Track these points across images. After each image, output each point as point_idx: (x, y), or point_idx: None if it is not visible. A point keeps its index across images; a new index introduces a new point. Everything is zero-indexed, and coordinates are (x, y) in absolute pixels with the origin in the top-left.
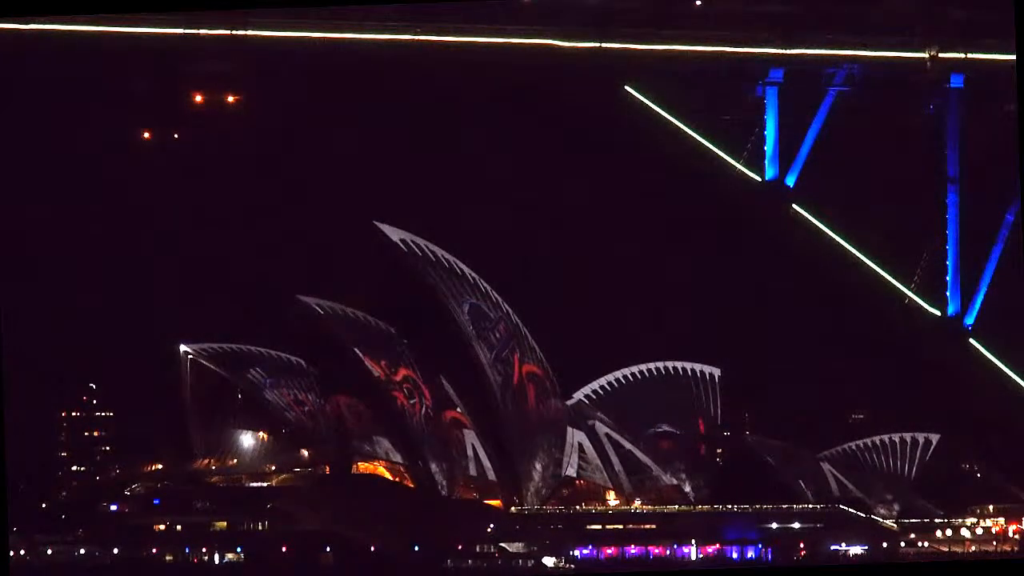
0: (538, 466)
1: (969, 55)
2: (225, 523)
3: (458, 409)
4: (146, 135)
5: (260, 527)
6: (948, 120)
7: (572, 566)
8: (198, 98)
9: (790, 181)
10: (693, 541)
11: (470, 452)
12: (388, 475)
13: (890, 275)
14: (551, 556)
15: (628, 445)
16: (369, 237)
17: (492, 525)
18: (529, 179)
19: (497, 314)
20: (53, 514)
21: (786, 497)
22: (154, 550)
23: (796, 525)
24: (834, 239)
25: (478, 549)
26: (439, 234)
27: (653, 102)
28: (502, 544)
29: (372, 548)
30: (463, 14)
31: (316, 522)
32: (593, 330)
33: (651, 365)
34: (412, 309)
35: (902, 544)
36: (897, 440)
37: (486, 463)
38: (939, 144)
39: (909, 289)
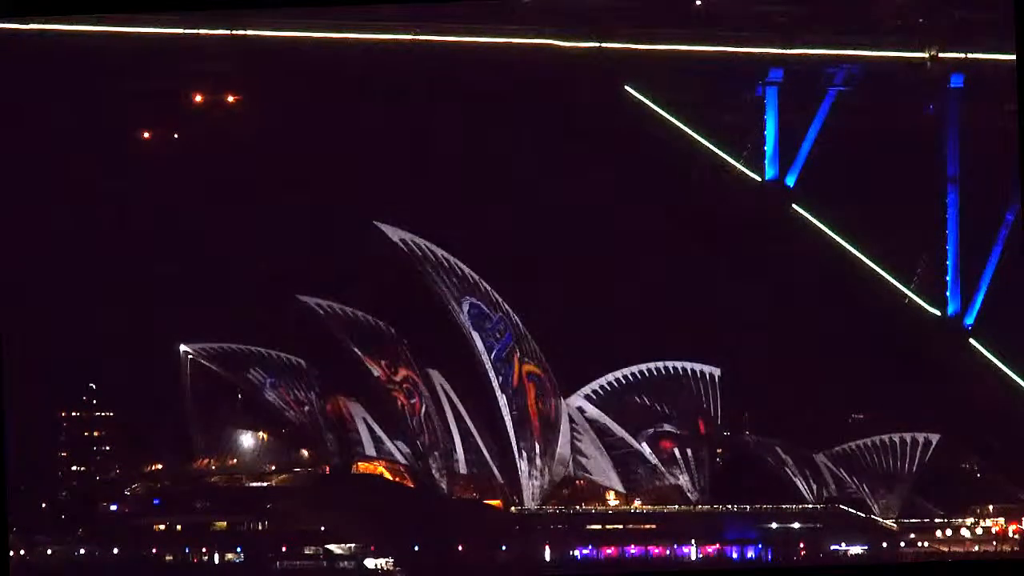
0: (538, 466)
1: (969, 55)
2: (225, 523)
3: (458, 409)
4: (146, 135)
5: (260, 527)
6: (948, 120)
7: (399, 568)
8: (198, 98)
9: (790, 181)
10: (693, 541)
11: (470, 452)
12: (388, 475)
13: (890, 275)
14: (376, 558)
15: (632, 445)
16: (369, 237)
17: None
18: (529, 179)
19: (497, 314)
20: (53, 514)
21: (786, 497)
22: (154, 550)
23: (796, 525)
24: (834, 239)
25: (306, 551)
26: (439, 234)
27: (653, 102)
28: (328, 546)
29: (372, 548)
30: (463, 14)
31: (316, 522)
32: (593, 330)
33: (651, 365)
34: (412, 309)
35: (902, 544)
36: (897, 440)
37: (487, 463)
38: (939, 144)
39: (909, 289)
